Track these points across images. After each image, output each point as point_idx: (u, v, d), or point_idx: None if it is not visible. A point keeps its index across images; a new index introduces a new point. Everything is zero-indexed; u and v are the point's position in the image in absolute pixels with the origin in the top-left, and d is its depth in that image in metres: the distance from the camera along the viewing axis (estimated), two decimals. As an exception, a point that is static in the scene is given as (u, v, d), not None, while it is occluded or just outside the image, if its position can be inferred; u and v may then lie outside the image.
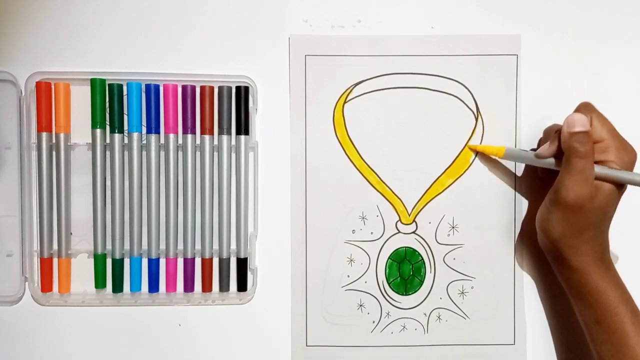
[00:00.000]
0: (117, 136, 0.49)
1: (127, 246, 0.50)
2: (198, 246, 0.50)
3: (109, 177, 0.49)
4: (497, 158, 0.50)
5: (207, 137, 0.49)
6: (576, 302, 0.46)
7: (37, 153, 0.49)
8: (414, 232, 0.51)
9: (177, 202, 0.50)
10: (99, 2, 0.50)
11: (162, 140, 0.49)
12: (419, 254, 0.51)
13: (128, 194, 0.49)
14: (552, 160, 0.46)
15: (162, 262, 0.50)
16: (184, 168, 0.50)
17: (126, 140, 0.49)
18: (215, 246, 0.50)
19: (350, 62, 0.50)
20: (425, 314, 0.51)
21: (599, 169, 0.43)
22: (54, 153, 0.49)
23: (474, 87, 0.51)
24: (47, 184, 0.49)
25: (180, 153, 0.50)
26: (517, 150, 0.50)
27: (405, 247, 0.51)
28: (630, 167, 0.44)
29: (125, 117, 0.49)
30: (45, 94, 0.48)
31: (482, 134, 0.51)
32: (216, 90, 0.50)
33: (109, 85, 0.49)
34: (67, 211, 0.49)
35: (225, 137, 0.49)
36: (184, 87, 0.49)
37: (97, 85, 0.48)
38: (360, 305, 0.51)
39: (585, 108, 0.45)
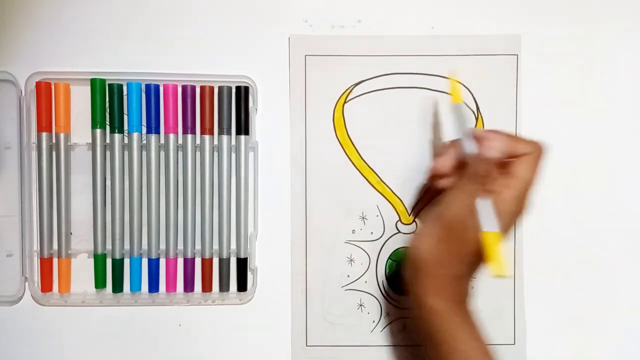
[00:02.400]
0: (117, 136, 0.49)
1: (127, 246, 0.50)
2: (198, 246, 0.50)
3: (109, 177, 0.49)
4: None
5: (207, 137, 0.49)
6: (432, 349, 0.42)
7: (37, 153, 0.49)
8: (414, 232, 0.51)
9: (177, 202, 0.50)
10: (99, 2, 0.50)
11: (162, 140, 0.49)
12: (419, 254, 0.51)
13: (128, 194, 0.49)
14: (472, 147, 0.42)
15: (162, 262, 0.50)
16: (184, 168, 0.50)
17: (126, 140, 0.49)
18: (215, 246, 0.50)
19: (350, 62, 0.50)
20: (425, 314, 0.51)
21: (481, 203, 0.40)
22: (54, 153, 0.49)
23: (474, 87, 0.51)
24: (47, 184, 0.49)
25: (180, 153, 0.50)
26: (463, 115, 0.45)
27: (406, 247, 0.51)
28: (510, 216, 0.41)
29: (125, 117, 0.49)
30: (45, 94, 0.48)
31: (482, 134, 0.51)
32: (216, 90, 0.50)
33: (109, 85, 0.49)
34: (67, 211, 0.49)
35: (225, 137, 0.49)
36: (184, 87, 0.49)
37: (97, 85, 0.48)
38: (360, 305, 0.51)
39: (532, 145, 0.42)
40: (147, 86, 0.49)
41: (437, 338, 0.41)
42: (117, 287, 0.50)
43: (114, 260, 0.50)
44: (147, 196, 0.49)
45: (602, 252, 0.51)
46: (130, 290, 0.50)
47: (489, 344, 0.41)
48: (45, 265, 0.49)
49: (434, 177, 0.45)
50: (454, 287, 0.41)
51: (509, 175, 0.41)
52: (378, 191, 0.51)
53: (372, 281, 0.51)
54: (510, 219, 0.41)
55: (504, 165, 0.41)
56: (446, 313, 0.41)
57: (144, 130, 0.49)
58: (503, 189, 0.40)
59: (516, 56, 0.51)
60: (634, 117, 0.51)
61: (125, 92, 0.49)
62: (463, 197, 0.41)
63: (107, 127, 0.49)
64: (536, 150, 0.42)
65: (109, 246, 0.50)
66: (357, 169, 0.51)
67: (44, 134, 0.48)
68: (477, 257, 0.40)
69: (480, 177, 0.40)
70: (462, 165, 0.43)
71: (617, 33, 0.51)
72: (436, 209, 0.42)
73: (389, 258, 0.51)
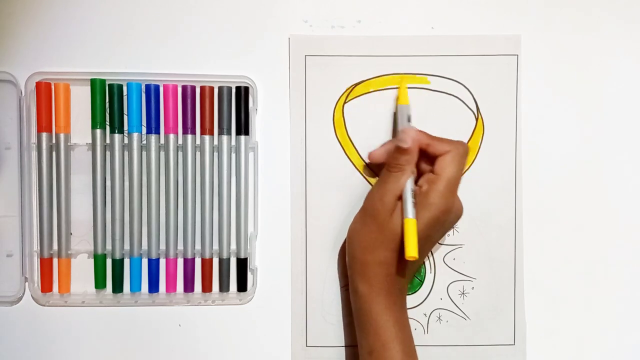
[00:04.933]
0: (117, 136, 0.49)
1: (127, 246, 0.50)
2: (198, 246, 0.50)
3: (109, 177, 0.49)
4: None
5: (207, 137, 0.49)
6: (357, 330, 0.45)
7: (37, 153, 0.49)
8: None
9: (177, 202, 0.50)
10: (99, 2, 0.50)
11: (162, 141, 0.49)
12: (419, 254, 0.51)
13: (128, 194, 0.49)
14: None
15: (162, 262, 0.50)
16: (184, 168, 0.50)
17: (126, 141, 0.49)
18: (215, 246, 0.50)
19: (350, 62, 0.50)
20: (425, 315, 0.51)
21: (406, 195, 0.43)
22: (54, 153, 0.49)
23: (474, 87, 0.51)
24: (47, 184, 0.49)
25: (180, 153, 0.50)
26: (406, 116, 0.47)
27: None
28: (434, 209, 0.43)
29: (125, 117, 0.49)
30: (45, 94, 0.48)
31: (482, 134, 0.51)
32: (216, 90, 0.50)
33: (109, 85, 0.49)
34: (67, 211, 0.49)
35: (225, 137, 0.49)
36: (184, 87, 0.49)
37: (97, 85, 0.48)
38: (360, 306, 0.51)
39: (452, 144, 0.44)
40: (147, 86, 0.49)
41: (360, 321, 0.45)
42: (117, 288, 0.50)
43: (114, 261, 0.50)
44: (147, 196, 0.49)
45: (602, 252, 0.51)
46: (130, 290, 0.50)
47: (410, 336, 0.45)
48: (45, 266, 0.49)
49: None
50: (379, 273, 0.44)
51: (434, 172, 0.44)
52: (378, 191, 0.51)
53: (372, 281, 0.51)
54: (435, 212, 0.43)
55: (430, 163, 0.45)
56: (369, 297, 0.44)
57: (144, 130, 0.49)
58: (426, 184, 0.44)
59: (516, 56, 0.51)
60: (634, 117, 0.51)
61: (125, 92, 0.49)
62: (380, 185, 0.44)
63: (107, 127, 0.49)
64: (456, 149, 0.44)
65: (109, 246, 0.50)
66: (357, 169, 0.51)
67: (44, 134, 0.48)
68: (395, 247, 0.43)
69: (397, 167, 0.43)
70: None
71: (617, 33, 0.51)
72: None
73: (389, 258, 0.51)
